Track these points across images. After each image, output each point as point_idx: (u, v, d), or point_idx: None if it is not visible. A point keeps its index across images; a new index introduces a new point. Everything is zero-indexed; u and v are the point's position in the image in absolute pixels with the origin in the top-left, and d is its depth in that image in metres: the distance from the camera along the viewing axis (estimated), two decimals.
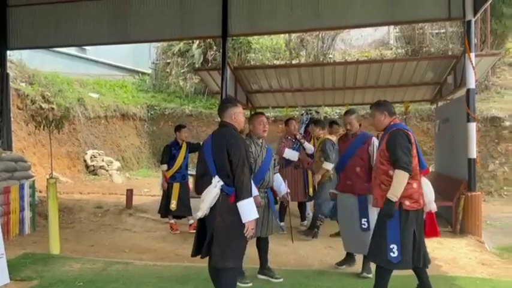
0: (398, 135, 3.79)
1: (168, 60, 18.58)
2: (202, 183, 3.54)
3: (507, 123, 12.17)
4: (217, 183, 3.42)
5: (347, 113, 5.15)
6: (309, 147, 7.09)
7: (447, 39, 14.67)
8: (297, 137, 7.03)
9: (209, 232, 3.49)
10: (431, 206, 3.95)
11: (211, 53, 16.62)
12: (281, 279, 4.61)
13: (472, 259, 5.62)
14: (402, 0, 7.24)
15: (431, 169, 8.66)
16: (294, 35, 16.22)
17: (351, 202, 4.97)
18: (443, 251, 6.01)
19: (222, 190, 3.43)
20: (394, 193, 3.65)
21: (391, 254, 3.67)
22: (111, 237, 6.91)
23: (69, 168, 12.87)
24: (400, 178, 3.65)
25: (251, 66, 10.69)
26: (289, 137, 7.12)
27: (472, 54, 6.93)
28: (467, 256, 5.76)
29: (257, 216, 3.51)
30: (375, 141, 4.90)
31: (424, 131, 12.89)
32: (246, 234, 3.46)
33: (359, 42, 16.67)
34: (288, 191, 4.93)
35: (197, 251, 3.62)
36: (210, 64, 16.11)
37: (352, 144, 4.98)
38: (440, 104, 9.53)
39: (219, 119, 3.83)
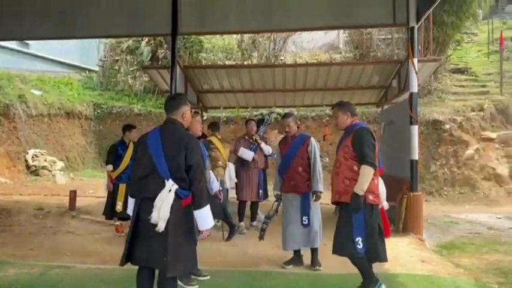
0: (364, 133, 4.00)
1: (116, 58, 18.03)
2: (145, 185, 3.25)
3: (447, 127, 12.77)
4: (171, 186, 3.17)
5: (285, 116, 5.38)
6: (267, 148, 7.27)
7: (393, 45, 15.22)
8: (254, 137, 7.13)
9: (154, 239, 3.18)
10: (384, 203, 4.21)
11: (162, 51, 16.34)
12: (208, 277, 4.65)
13: (413, 257, 5.83)
14: (351, 5, 7.41)
15: None
16: (246, 36, 16.26)
17: (295, 201, 5.17)
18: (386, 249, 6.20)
19: (175, 194, 3.18)
20: (361, 187, 3.84)
21: (358, 246, 3.83)
22: (52, 240, 6.61)
23: (9, 168, 12.19)
24: (368, 173, 3.86)
25: (202, 66, 10.57)
26: (246, 137, 7.21)
27: (415, 60, 7.21)
28: (409, 254, 5.97)
29: (213, 223, 3.43)
30: (313, 141, 5.21)
31: None
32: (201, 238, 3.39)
33: (310, 45, 16.96)
34: (220, 188, 5.09)
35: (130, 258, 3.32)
36: (160, 63, 15.84)
37: (292, 145, 5.21)
38: (385, 107, 9.84)
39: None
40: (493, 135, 12.85)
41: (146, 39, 16.51)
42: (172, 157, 3.21)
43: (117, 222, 7.05)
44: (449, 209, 10.62)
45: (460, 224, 8.99)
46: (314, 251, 5.18)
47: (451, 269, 5.37)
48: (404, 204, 7.19)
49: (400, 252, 6.02)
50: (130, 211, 3.47)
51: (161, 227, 3.12)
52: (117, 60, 17.94)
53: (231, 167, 6.98)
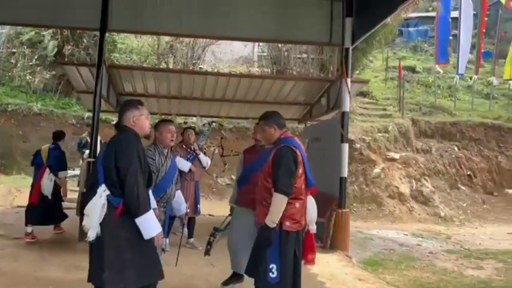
0: (285, 154, 3.58)
1: (13, 50, 16.27)
2: (89, 196, 3.07)
3: (358, 146, 13.42)
4: (102, 192, 2.98)
5: (257, 122, 4.93)
6: (205, 159, 6.82)
7: (308, 64, 15.75)
8: (193, 147, 6.66)
9: (98, 252, 3.02)
10: (312, 226, 3.83)
11: (69, 47, 15.07)
12: None
13: (348, 274, 5.88)
14: (290, 21, 7.42)
15: None
16: (163, 41, 15.67)
17: (249, 217, 4.73)
18: (320, 266, 6.15)
19: (108, 201, 2.98)
20: (273, 219, 3.46)
21: (270, 274, 3.50)
22: None
23: None
24: (279, 202, 3.47)
25: (128, 66, 9.80)
26: (184, 146, 6.70)
27: (349, 80, 7.43)
28: (343, 271, 6.02)
29: (161, 228, 3.14)
30: None
31: None
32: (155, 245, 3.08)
33: (227, 56, 16.87)
34: (188, 211, 4.59)
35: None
36: (66, 59, 14.56)
37: (260, 156, 4.71)
38: (310, 123, 10.00)
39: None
40: (396, 156, 13.81)
41: (51, 32, 15.13)
42: (107, 161, 3.07)
43: (29, 229, 6.55)
44: (360, 224, 11.10)
45: (374, 240, 9.40)
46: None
47: (386, 287, 5.50)
48: (333, 221, 7.28)
49: (335, 270, 6.05)
50: None
51: (90, 235, 2.96)
52: (14, 53, 16.18)
53: None
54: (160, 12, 7.21)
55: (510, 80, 20.57)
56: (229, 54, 16.71)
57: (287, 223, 3.52)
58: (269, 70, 16.05)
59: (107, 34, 14.16)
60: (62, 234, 7.10)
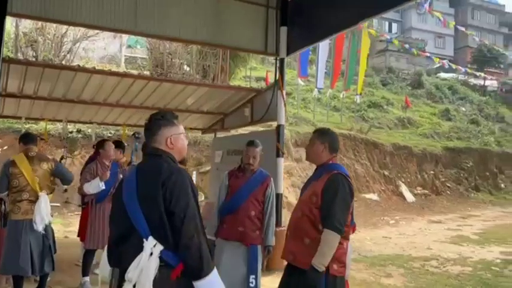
0: (340, 183, 3.04)
1: None
2: (121, 251, 2.23)
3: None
4: (152, 248, 2.14)
5: (252, 144, 4.33)
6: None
7: (192, 70, 15.13)
8: (121, 165, 5.47)
9: None
10: (348, 271, 3.20)
11: None
12: None
13: None
14: (227, 27, 6.92)
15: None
16: (21, 31, 13.25)
17: (238, 253, 4.10)
18: None
19: (160, 259, 2.16)
20: (323, 261, 2.89)
21: None
22: None
23: None
24: (331, 242, 2.92)
25: (27, 62, 7.50)
26: (107, 163, 5.41)
27: (284, 91, 7.15)
28: None
29: None
30: (273, 183, 4.34)
31: None
32: None
33: (99, 54, 15.10)
34: None
35: None
36: None
37: (249, 182, 4.20)
38: (221, 134, 9.43)
39: None
40: None
41: None
42: (149, 204, 2.21)
43: None
44: None
45: None
46: None
47: None
48: None
49: None
50: None
51: None
52: None
53: (43, 199, 4.83)
54: (79, 1, 5.92)
55: (358, 94, 22.90)
56: (101, 52, 14.98)
57: (335, 266, 2.98)
58: (148, 73, 14.93)
59: None
60: None
